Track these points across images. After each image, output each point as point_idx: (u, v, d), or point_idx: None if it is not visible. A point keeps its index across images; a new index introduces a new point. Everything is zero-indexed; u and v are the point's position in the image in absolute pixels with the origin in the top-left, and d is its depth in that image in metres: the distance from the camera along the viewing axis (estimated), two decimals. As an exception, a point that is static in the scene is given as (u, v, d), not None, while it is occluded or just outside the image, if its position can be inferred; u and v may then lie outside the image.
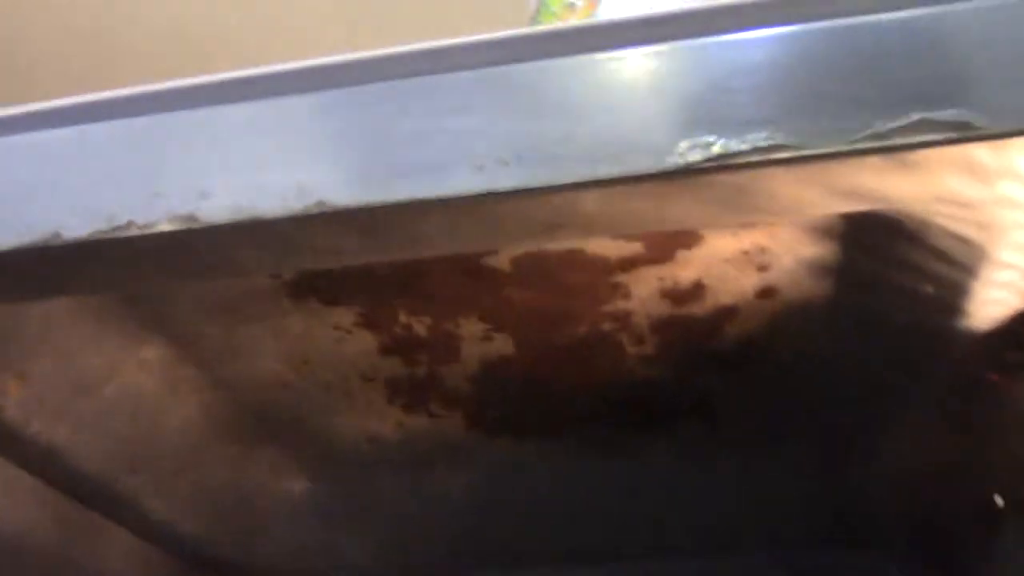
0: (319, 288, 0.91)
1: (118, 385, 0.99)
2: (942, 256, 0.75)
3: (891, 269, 0.83)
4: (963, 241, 0.73)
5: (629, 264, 0.88)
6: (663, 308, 0.95)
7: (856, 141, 0.60)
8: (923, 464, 1.10)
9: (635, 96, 0.62)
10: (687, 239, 0.85)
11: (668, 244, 0.86)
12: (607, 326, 0.97)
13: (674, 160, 0.62)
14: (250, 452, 1.20)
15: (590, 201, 0.66)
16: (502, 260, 0.87)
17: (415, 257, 0.83)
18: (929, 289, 0.80)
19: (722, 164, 0.62)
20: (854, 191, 0.65)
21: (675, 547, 1.32)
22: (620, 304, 0.94)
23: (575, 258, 0.87)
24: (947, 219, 0.71)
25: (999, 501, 0.96)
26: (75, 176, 0.68)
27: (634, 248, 0.86)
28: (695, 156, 0.62)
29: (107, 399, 0.99)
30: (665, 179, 0.63)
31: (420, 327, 0.97)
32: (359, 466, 1.28)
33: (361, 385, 1.08)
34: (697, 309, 0.96)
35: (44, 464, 0.99)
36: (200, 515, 1.20)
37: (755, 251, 0.88)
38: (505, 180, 0.64)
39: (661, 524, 1.30)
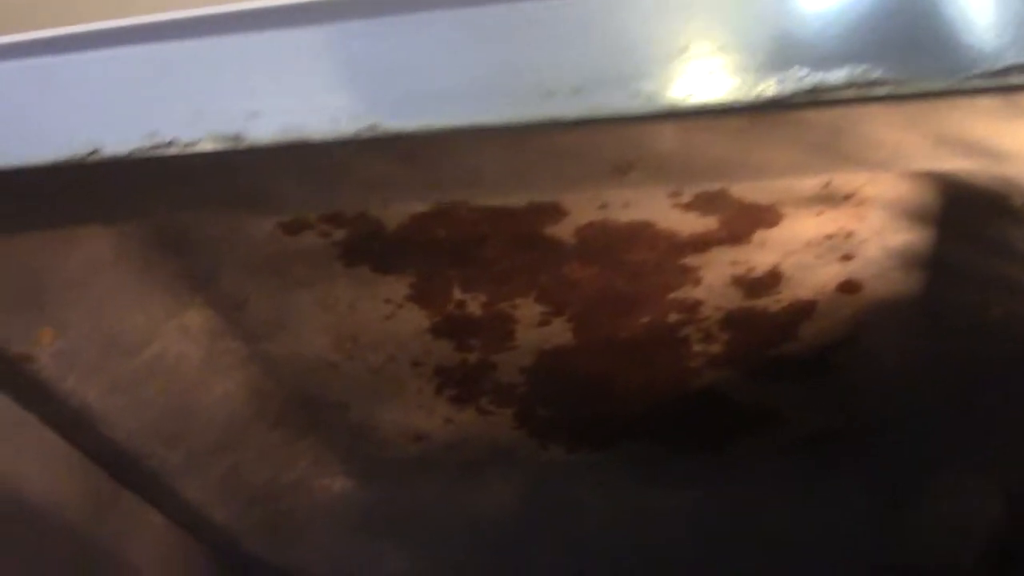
0: (373, 253, 0.86)
1: (158, 349, 0.95)
2: (1052, 237, 0.68)
3: (996, 260, 0.75)
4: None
5: (702, 243, 0.82)
6: (734, 299, 0.88)
7: (966, 79, 0.54)
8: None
9: (724, 26, 0.57)
10: (767, 216, 0.79)
11: (746, 221, 0.79)
12: (673, 317, 0.91)
13: (762, 91, 0.56)
14: (291, 440, 1.15)
15: (667, 137, 0.60)
16: (566, 229, 0.81)
17: (468, 199, 0.77)
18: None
19: (814, 99, 0.56)
20: (962, 140, 0.58)
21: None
22: (689, 291, 0.88)
23: (644, 233, 0.81)
24: (1063, 187, 0.64)
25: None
26: (118, 93, 0.65)
27: (708, 224, 0.80)
28: (786, 88, 0.56)
29: (145, 363, 0.95)
30: (751, 114, 0.57)
31: (474, 305, 0.91)
32: (403, 467, 1.22)
33: (410, 371, 1.02)
34: (771, 303, 0.89)
35: (76, 427, 0.95)
36: (235, 504, 1.15)
37: (840, 236, 0.81)
38: (576, 107, 0.59)
39: (712, 556, 1.21)
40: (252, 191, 0.68)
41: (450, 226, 0.83)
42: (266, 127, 0.63)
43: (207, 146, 0.64)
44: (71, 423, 0.94)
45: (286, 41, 0.64)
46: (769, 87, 0.56)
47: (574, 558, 1.20)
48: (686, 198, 0.77)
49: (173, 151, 0.64)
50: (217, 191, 0.68)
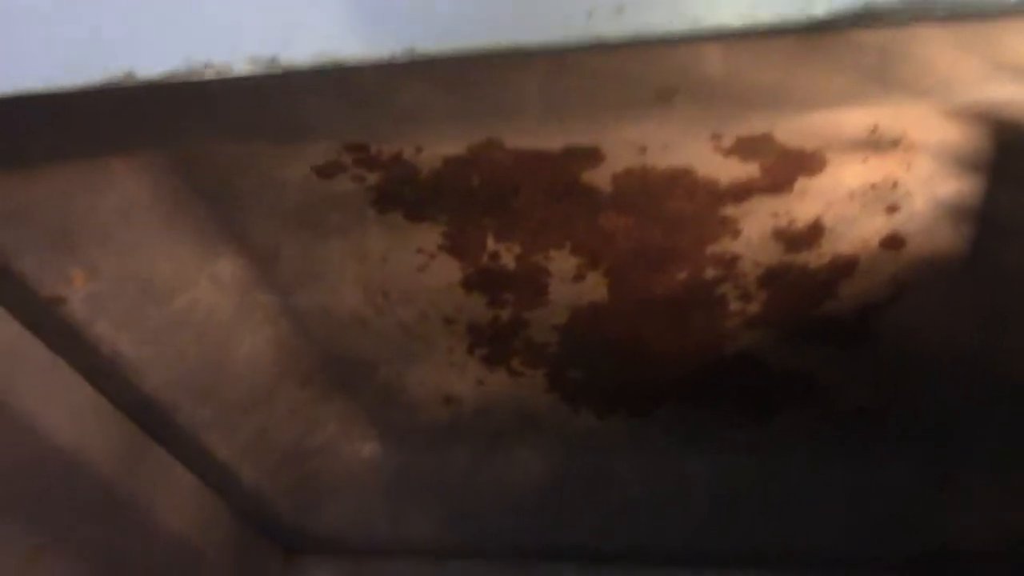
0: (406, 199, 0.85)
1: (189, 299, 0.94)
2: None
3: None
4: None
5: (742, 192, 0.80)
6: (774, 253, 0.86)
7: (1027, -2, 0.52)
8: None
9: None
10: (810, 163, 0.77)
11: (788, 168, 0.77)
12: (711, 273, 0.89)
13: (813, 11, 0.54)
14: (320, 401, 1.14)
15: (713, 60, 0.58)
16: (603, 176, 0.80)
17: (507, 135, 0.76)
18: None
19: (867, 19, 0.54)
20: (1019, 65, 0.56)
21: (760, 557, 1.21)
22: (727, 245, 0.86)
23: (683, 180, 0.79)
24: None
25: None
26: (152, 13, 0.64)
27: (750, 171, 0.78)
28: (838, 7, 0.54)
29: (176, 313, 0.94)
30: (800, 36, 0.56)
31: (508, 257, 0.90)
32: (432, 432, 1.21)
33: (442, 329, 1.01)
34: (812, 258, 0.87)
35: (106, 376, 0.94)
36: (263, 464, 1.14)
37: (886, 186, 0.79)
38: (618, 27, 0.57)
39: (747, 530, 1.19)
40: (286, 119, 0.66)
41: (484, 172, 0.81)
42: (302, 49, 0.62)
43: (243, 69, 0.63)
44: (101, 371, 0.93)
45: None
46: (820, 6, 0.54)
47: (605, 526, 1.18)
48: (728, 141, 0.75)
49: (209, 75, 0.63)
50: (252, 118, 0.67)
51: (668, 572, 1.23)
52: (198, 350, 0.98)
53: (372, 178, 0.83)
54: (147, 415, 1.00)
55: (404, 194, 0.85)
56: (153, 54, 0.64)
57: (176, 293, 0.94)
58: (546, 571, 1.26)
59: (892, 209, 0.80)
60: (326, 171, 0.82)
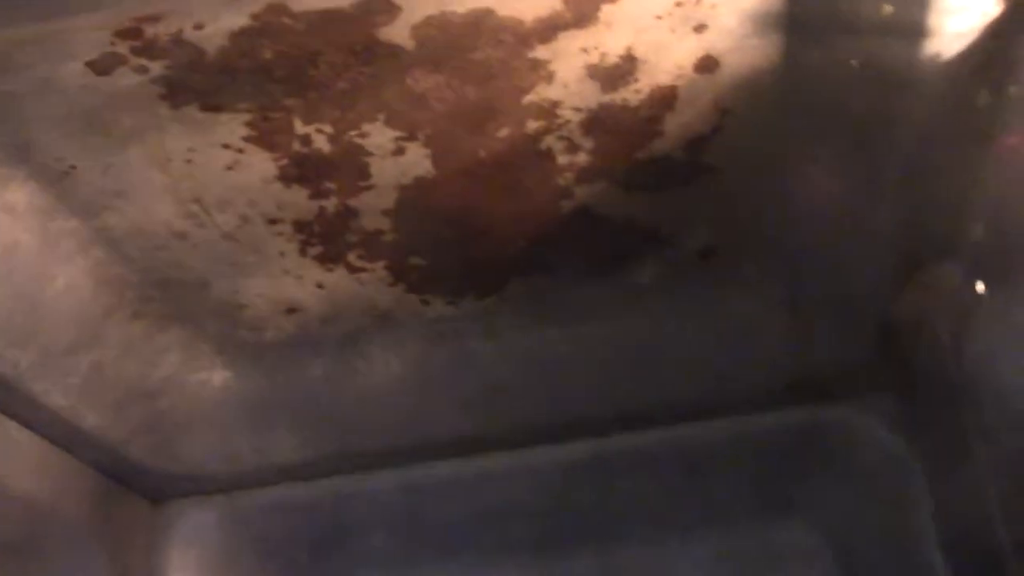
0: (198, 88, 0.79)
1: (-16, 237, 0.86)
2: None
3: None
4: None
5: (549, 29, 0.77)
6: (592, 94, 0.84)
7: None
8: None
9: None
10: (610, -14, 0.74)
11: (589, -4, 0.74)
12: (532, 126, 0.86)
13: None
14: (155, 331, 1.08)
15: None
16: (401, 30, 0.75)
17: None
18: (891, 9, 0.70)
19: None
20: None
21: (632, 418, 1.21)
22: (543, 92, 0.83)
23: (485, 23, 0.76)
24: None
25: (980, 286, 0.86)
26: None
27: (552, 4, 0.75)
28: None
29: (-28, 253, 0.86)
30: None
31: (321, 139, 0.85)
32: (281, 349, 1.16)
33: (268, 231, 0.96)
34: (631, 95, 0.85)
35: (-96, 334, 0.86)
36: (105, 408, 1.08)
37: (689, 3, 0.77)
38: None
39: (615, 392, 1.19)
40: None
41: (276, 42, 0.76)
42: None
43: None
44: None
45: None
46: None
47: (474, 413, 1.16)
48: (523, -28, 0.72)
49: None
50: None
51: (545, 451, 1.22)
52: (6, 292, 0.90)
53: (156, 68, 0.77)
54: (-38, 371, 0.92)
55: (194, 82, 0.79)
56: None
57: (-33, 231, 0.86)
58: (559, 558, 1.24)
59: (700, 28, 0.79)
60: (102, 65, 0.75)
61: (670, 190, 0.96)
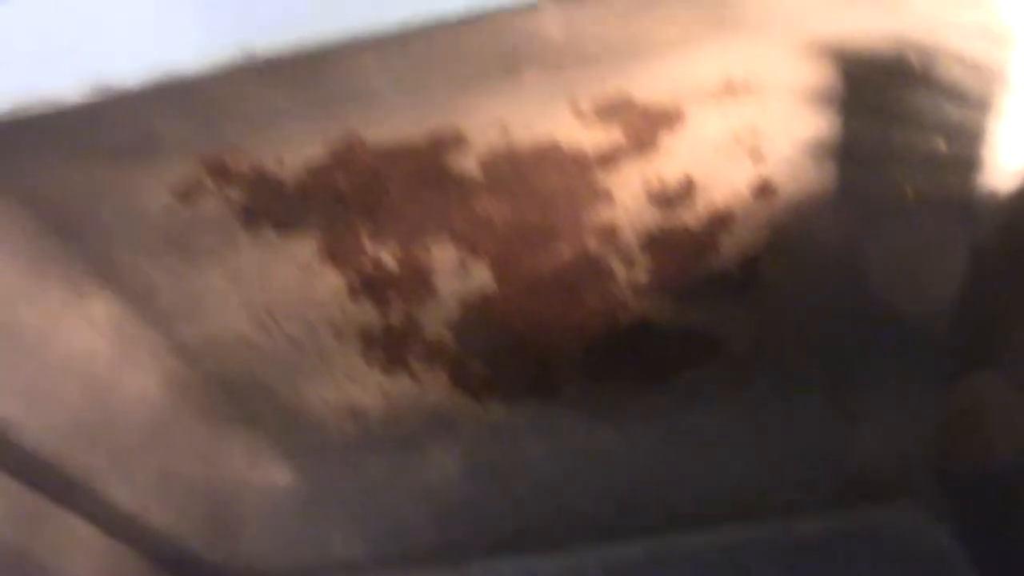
0: (274, 212, 0.83)
1: (64, 346, 0.91)
2: (954, 93, 0.67)
3: (899, 131, 0.75)
4: (976, 66, 0.65)
5: (610, 157, 0.80)
6: (652, 216, 0.87)
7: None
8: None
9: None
10: (670, 118, 0.77)
11: (650, 127, 0.78)
12: (593, 244, 0.89)
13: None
14: (222, 432, 1.11)
15: (552, 24, 0.58)
16: (469, 160, 0.79)
17: (362, 126, 0.74)
18: (944, 145, 0.72)
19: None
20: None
21: (683, 519, 1.21)
22: (604, 213, 0.86)
23: (550, 154, 0.79)
24: (957, 36, 0.63)
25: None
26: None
27: (613, 135, 0.78)
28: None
29: (52, 362, 0.90)
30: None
31: (388, 257, 0.88)
32: (343, 449, 1.18)
33: (334, 340, 0.99)
34: (689, 216, 0.87)
35: (-12, 439, 0.90)
36: (170, 506, 1.10)
37: (747, 133, 0.79)
38: (455, 3, 0.57)
39: (667, 493, 1.19)
40: (131, 140, 0.64)
41: (350, 173, 0.80)
42: (133, 67, 0.60)
43: (72, 95, 0.60)
44: (-23, 435, 0.89)
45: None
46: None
47: (528, 512, 1.17)
48: (586, 107, 0.75)
49: (37, 106, 0.61)
50: (93, 143, 0.64)
51: (596, 551, 1.23)
52: (82, 397, 0.94)
53: (236, 196, 0.81)
54: (38, 474, 0.96)
55: (272, 209, 0.82)
56: (-23, 94, 0.61)
57: (49, 341, 0.90)
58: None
59: (757, 156, 0.81)
60: (186, 193, 0.79)
61: (724, 302, 0.98)
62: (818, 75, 0.73)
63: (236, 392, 1.06)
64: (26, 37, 0.61)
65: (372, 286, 0.92)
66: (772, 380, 1.10)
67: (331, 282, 0.91)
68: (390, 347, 1.01)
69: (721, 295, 0.97)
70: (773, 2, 0.57)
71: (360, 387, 1.07)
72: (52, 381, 0.91)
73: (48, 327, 0.89)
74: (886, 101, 0.72)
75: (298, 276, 0.90)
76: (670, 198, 0.85)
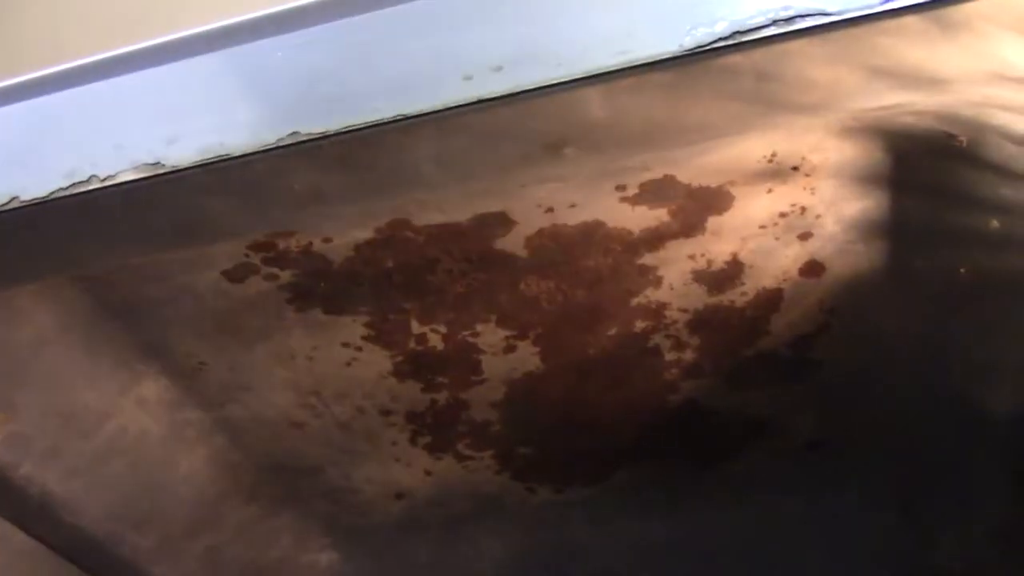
0: (323, 293, 0.84)
1: (116, 426, 0.92)
2: (1005, 171, 0.66)
3: (949, 210, 0.74)
4: (1027, 143, 0.64)
5: (656, 238, 0.80)
6: (699, 296, 0.86)
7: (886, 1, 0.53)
8: None
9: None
10: (717, 200, 0.77)
11: (697, 209, 0.78)
12: (640, 325, 0.88)
13: (680, 42, 0.55)
14: (269, 514, 1.10)
15: (595, 105, 0.58)
16: (516, 241, 0.79)
17: (410, 206, 0.75)
18: (999, 224, 0.71)
19: (737, 41, 0.54)
20: (895, 68, 0.57)
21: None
22: (651, 294, 0.85)
23: (595, 234, 0.79)
24: (1006, 113, 0.62)
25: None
26: (32, 139, 0.63)
27: (659, 216, 0.78)
28: (704, 35, 0.55)
29: (104, 442, 0.91)
30: (674, 68, 0.56)
31: (435, 338, 0.88)
32: (388, 531, 1.18)
33: (381, 422, 0.99)
34: (737, 297, 0.87)
35: (38, 519, 0.91)
36: (218, 589, 1.10)
37: (794, 213, 0.79)
38: (497, 85, 0.58)
39: (725, 582, 1.16)
40: (182, 219, 0.65)
41: (398, 253, 0.80)
42: (186, 149, 0.61)
43: (127, 176, 0.62)
44: (31, 514, 0.90)
45: (196, 68, 0.62)
46: (689, 35, 0.54)
47: (576, 602, 1.15)
48: (632, 190, 0.75)
49: (94, 186, 0.62)
50: (147, 225, 0.65)
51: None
52: (132, 478, 0.95)
53: (285, 276, 0.82)
54: (88, 554, 0.96)
55: (320, 289, 0.83)
56: (37, 176, 0.63)
57: (102, 422, 0.91)
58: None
59: (805, 236, 0.81)
60: (236, 274, 0.80)
61: (776, 385, 0.96)
62: (865, 154, 0.73)
63: (283, 472, 1.06)
64: (85, 119, 0.63)
65: (419, 367, 0.92)
66: (826, 467, 1.08)
67: (379, 363, 0.91)
68: (437, 428, 1.00)
69: (773, 377, 0.96)
70: (818, 81, 0.57)
71: (406, 469, 1.07)
72: (105, 461, 0.92)
73: (101, 408, 0.90)
74: (935, 180, 0.71)
75: (345, 356, 0.91)
76: (717, 279, 0.84)
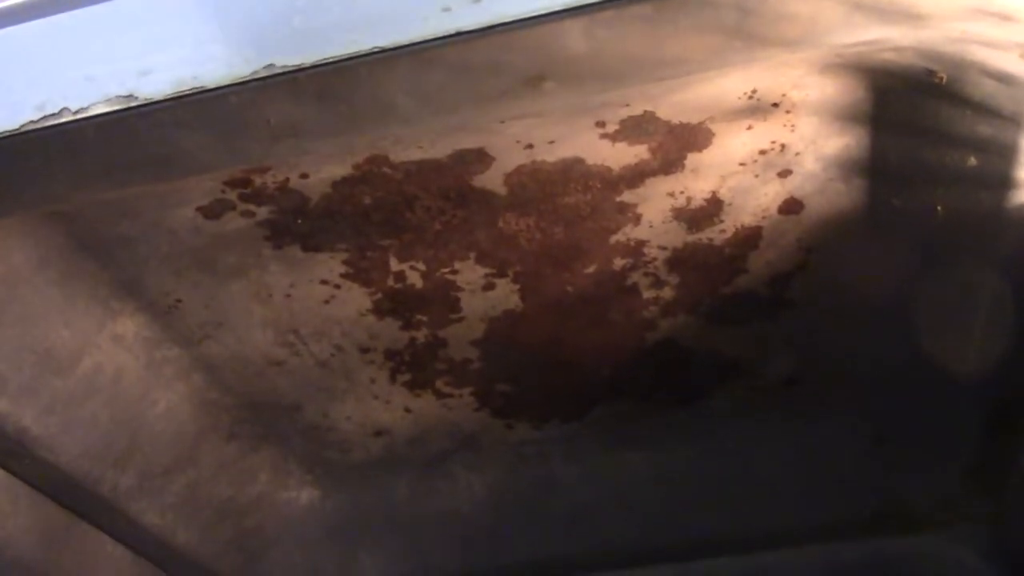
0: (300, 230, 0.83)
1: (92, 364, 0.91)
2: (984, 108, 0.66)
3: (928, 148, 0.74)
4: (1007, 80, 0.64)
5: (635, 175, 0.80)
6: (678, 234, 0.86)
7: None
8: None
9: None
10: (697, 137, 0.77)
11: (676, 145, 0.77)
12: (619, 263, 0.88)
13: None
14: (248, 452, 1.11)
15: (575, 38, 0.58)
16: (495, 177, 0.79)
17: (387, 142, 0.74)
18: (976, 161, 0.71)
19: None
20: (876, 2, 0.56)
21: (715, 544, 1.20)
22: (630, 232, 0.85)
23: (575, 171, 0.79)
24: (986, 49, 0.62)
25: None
26: (1, 71, 0.62)
27: (639, 153, 0.78)
28: (687, -34, 0.54)
29: (81, 380, 0.91)
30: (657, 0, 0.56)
31: (414, 276, 0.88)
32: (368, 469, 1.18)
33: (360, 359, 0.99)
34: (716, 234, 0.87)
35: (16, 455, 0.90)
36: (196, 525, 1.10)
37: (774, 151, 0.79)
38: (476, 17, 0.57)
39: (698, 517, 1.18)
40: (156, 153, 0.64)
41: (375, 189, 0.80)
42: (159, 82, 0.60)
43: (100, 109, 0.61)
44: (9, 451, 0.89)
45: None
46: (671, -34, 0.54)
47: (554, 536, 1.16)
48: (612, 126, 0.75)
49: (65, 119, 0.61)
50: (120, 159, 0.65)
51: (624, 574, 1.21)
52: (110, 416, 0.94)
53: (262, 213, 0.81)
54: (66, 491, 0.96)
55: (298, 225, 0.83)
56: (6, 108, 0.62)
57: (78, 359, 0.90)
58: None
59: (784, 173, 0.81)
60: (212, 210, 0.80)
61: (753, 323, 0.97)
62: (846, 91, 0.72)
63: (262, 410, 1.06)
64: (56, 51, 0.62)
65: (398, 304, 0.92)
66: (801, 405, 1.09)
67: (357, 301, 0.91)
68: (416, 366, 1.00)
69: (750, 316, 0.96)
70: (800, 16, 0.56)
71: (386, 406, 1.07)
72: (82, 399, 0.91)
73: (77, 345, 0.89)
74: (915, 118, 0.71)
75: (324, 294, 0.90)
76: (697, 217, 0.84)
